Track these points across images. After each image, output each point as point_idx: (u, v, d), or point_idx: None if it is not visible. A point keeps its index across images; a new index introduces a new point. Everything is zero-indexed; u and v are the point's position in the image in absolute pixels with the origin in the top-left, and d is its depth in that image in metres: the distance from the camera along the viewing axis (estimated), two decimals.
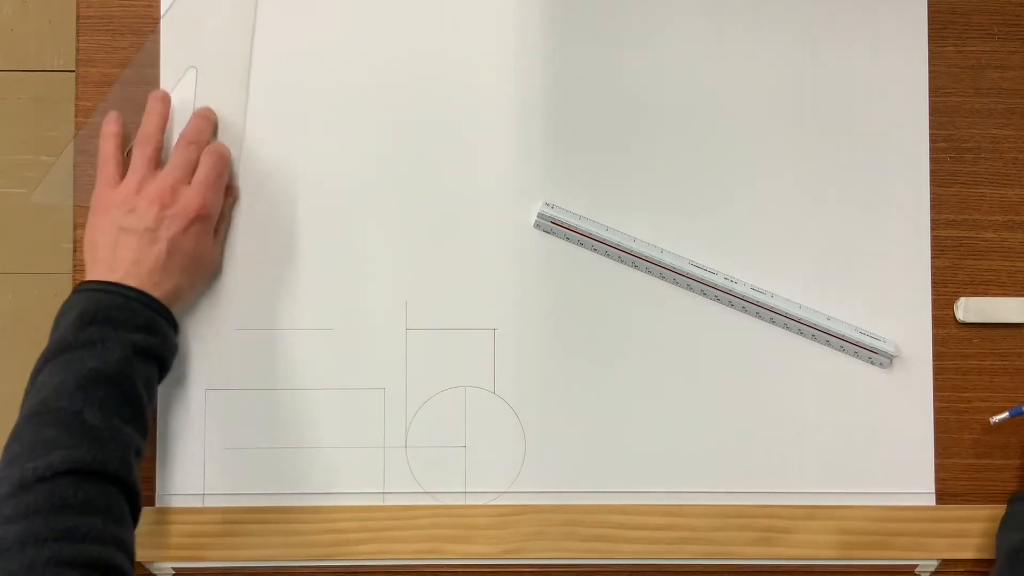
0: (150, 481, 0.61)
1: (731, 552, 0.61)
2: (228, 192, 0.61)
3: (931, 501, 0.62)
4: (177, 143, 0.60)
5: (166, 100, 0.61)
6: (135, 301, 0.54)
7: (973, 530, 0.62)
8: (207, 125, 0.61)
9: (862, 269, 0.63)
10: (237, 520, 0.61)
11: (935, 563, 0.62)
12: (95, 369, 0.52)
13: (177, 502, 0.61)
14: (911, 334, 0.63)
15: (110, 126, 0.60)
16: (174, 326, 0.57)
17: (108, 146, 0.59)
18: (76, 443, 0.49)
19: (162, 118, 0.60)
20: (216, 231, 0.60)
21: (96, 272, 0.56)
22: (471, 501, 0.61)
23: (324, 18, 0.63)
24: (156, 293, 0.55)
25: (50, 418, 0.50)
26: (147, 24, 0.63)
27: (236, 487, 0.61)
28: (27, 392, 0.53)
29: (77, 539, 0.46)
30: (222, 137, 0.62)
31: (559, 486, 0.62)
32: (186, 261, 0.57)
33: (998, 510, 0.62)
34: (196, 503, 0.61)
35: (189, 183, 0.58)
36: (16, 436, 0.50)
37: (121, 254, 0.56)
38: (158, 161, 0.59)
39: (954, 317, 0.63)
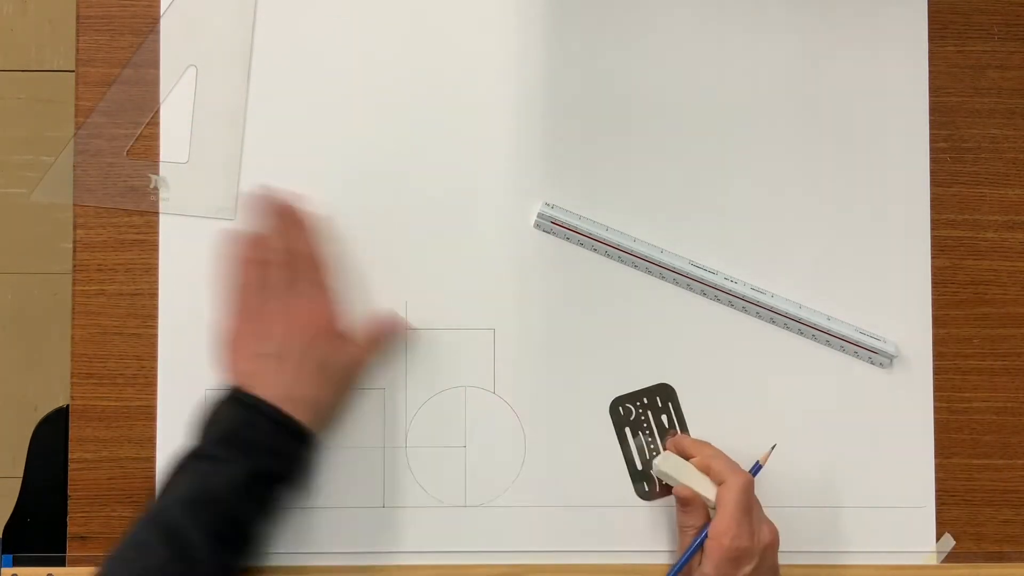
0: (150, 481, 0.61)
1: None
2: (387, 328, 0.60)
3: (931, 501, 0.62)
4: (283, 260, 0.57)
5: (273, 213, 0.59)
6: (267, 420, 0.53)
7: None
8: (301, 233, 0.59)
9: (862, 269, 0.63)
10: None
11: (952, 543, 0.62)
12: (209, 489, 0.51)
13: None
14: (911, 334, 0.63)
15: (249, 249, 0.58)
16: (310, 441, 0.55)
17: (247, 271, 0.58)
18: (166, 559, 0.49)
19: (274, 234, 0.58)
20: (350, 342, 0.58)
21: (246, 387, 0.55)
22: (471, 501, 0.61)
23: (324, 19, 0.63)
24: (295, 411, 0.54)
25: (152, 525, 0.51)
26: (147, 24, 0.63)
27: None
28: (165, 475, 0.53)
29: None
30: (222, 136, 0.62)
31: (559, 487, 0.61)
32: (327, 373, 0.56)
33: (1002, 569, 0.62)
34: None
35: (306, 296, 0.57)
36: (132, 527, 0.51)
37: (265, 379, 0.54)
38: (278, 279, 0.57)
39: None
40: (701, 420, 0.62)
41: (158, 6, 0.63)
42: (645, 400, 0.62)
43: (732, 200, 0.63)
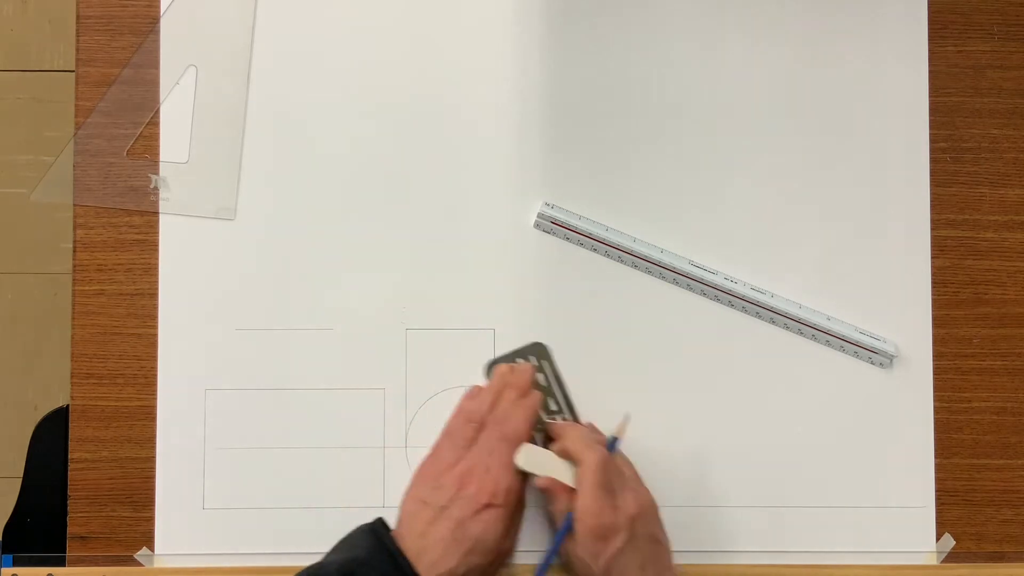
0: (150, 481, 0.61)
1: None
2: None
3: (931, 501, 0.62)
4: (490, 424, 0.56)
5: (504, 380, 0.58)
6: (393, 569, 0.52)
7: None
8: (521, 410, 0.57)
9: (862, 269, 0.63)
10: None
11: (952, 542, 0.62)
12: None
13: (177, 504, 0.61)
14: (911, 334, 0.63)
15: (469, 401, 0.58)
16: None
17: (456, 420, 0.58)
18: None
19: (493, 395, 0.58)
20: (512, 520, 0.56)
21: (399, 533, 0.54)
22: None
23: (324, 18, 0.63)
24: (429, 570, 0.52)
25: None
26: (147, 24, 0.63)
27: (236, 489, 0.61)
28: None
29: None
30: (222, 136, 0.62)
31: None
32: (470, 545, 0.54)
33: (1002, 569, 0.62)
34: (196, 505, 0.61)
35: (488, 465, 0.55)
36: None
37: (415, 526, 0.54)
38: (483, 441, 0.56)
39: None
40: (700, 420, 0.62)
41: (158, 6, 0.63)
42: (519, 361, 0.61)
43: (732, 200, 0.63)
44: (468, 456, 0.55)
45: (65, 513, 0.61)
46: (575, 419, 0.61)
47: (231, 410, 0.61)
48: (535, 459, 0.56)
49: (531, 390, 0.58)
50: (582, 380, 0.62)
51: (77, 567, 0.61)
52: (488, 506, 0.54)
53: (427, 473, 0.56)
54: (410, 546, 0.53)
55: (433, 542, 0.53)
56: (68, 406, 0.62)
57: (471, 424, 0.56)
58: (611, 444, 0.58)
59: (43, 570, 0.61)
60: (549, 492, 0.56)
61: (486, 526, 0.54)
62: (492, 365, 0.61)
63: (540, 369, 0.61)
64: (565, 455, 0.57)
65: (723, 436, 0.62)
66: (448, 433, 0.57)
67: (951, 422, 0.63)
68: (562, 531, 0.55)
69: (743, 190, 0.63)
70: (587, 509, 0.54)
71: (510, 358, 0.61)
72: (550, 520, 0.58)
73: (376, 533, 0.54)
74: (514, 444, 0.56)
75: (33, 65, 1.20)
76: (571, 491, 0.55)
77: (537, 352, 0.62)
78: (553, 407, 0.61)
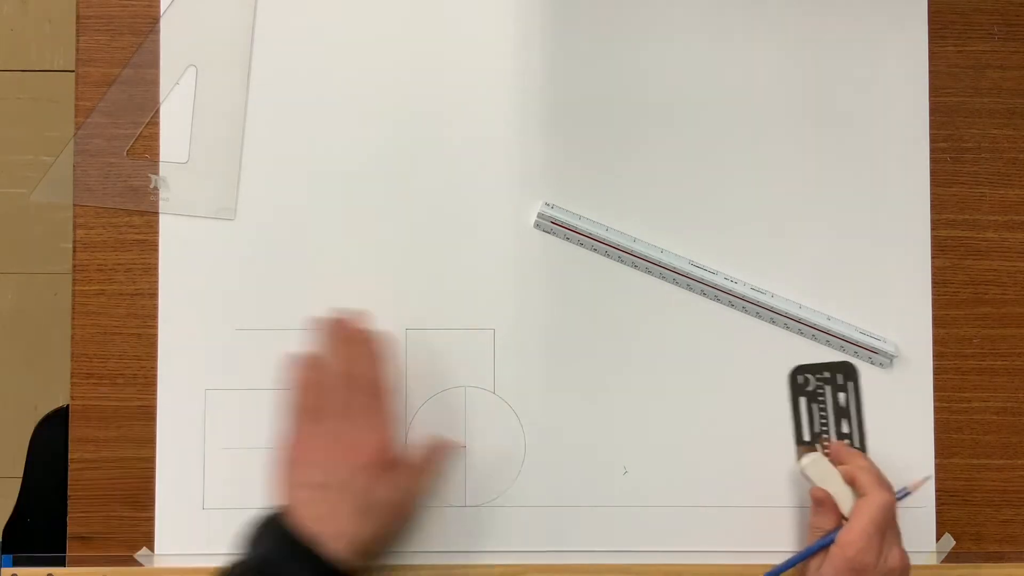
0: (149, 481, 0.61)
1: None
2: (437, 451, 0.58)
3: (931, 501, 0.62)
4: (338, 384, 0.55)
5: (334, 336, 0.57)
6: (300, 556, 0.50)
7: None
8: (363, 356, 0.56)
9: (862, 269, 0.63)
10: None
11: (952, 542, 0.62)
12: None
13: (177, 504, 0.61)
14: (911, 334, 0.63)
15: (304, 372, 0.56)
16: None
17: (300, 394, 0.55)
18: None
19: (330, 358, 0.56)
20: (396, 467, 0.55)
21: (299, 523, 0.52)
22: (471, 501, 0.61)
23: (324, 18, 0.63)
24: (334, 546, 0.50)
25: None
26: (147, 24, 0.63)
27: (236, 489, 0.61)
28: None
29: None
30: (222, 136, 0.62)
31: (559, 486, 0.61)
32: (375, 509, 0.52)
33: (1002, 569, 0.62)
34: (196, 505, 0.61)
35: (359, 423, 0.54)
36: None
37: (312, 510, 0.51)
38: (333, 405, 0.55)
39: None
40: (700, 420, 0.62)
41: (158, 6, 0.63)
42: (827, 374, 0.62)
43: (732, 200, 0.63)
44: (330, 425, 0.54)
45: (65, 513, 0.61)
46: (863, 448, 0.62)
47: (231, 410, 0.61)
48: (819, 470, 0.58)
49: (361, 333, 0.57)
50: (582, 380, 0.62)
51: (77, 567, 0.61)
52: (375, 463, 0.52)
53: (297, 457, 0.54)
54: (311, 530, 0.50)
55: (332, 519, 0.51)
56: (68, 406, 0.62)
57: (317, 391, 0.55)
58: (902, 494, 0.58)
59: (43, 570, 0.61)
60: (819, 504, 0.57)
61: (378, 483, 0.52)
62: (797, 372, 0.61)
63: (844, 389, 0.62)
64: (850, 480, 0.57)
65: (723, 436, 0.62)
66: (299, 410, 0.55)
67: (951, 422, 0.63)
68: (816, 547, 0.56)
69: (743, 190, 0.63)
70: (854, 542, 0.54)
71: (817, 368, 0.62)
72: (809, 527, 0.58)
73: (279, 530, 0.51)
74: (369, 392, 0.55)
75: (33, 65, 1.20)
76: (839, 514, 0.57)
77: (845, 371, 0.62)
78: (845, 429, 0.61)
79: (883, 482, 0.57)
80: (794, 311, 0.62)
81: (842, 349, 0.62)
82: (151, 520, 0.61)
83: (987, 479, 0.63)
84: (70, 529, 0.61)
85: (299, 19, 0.63)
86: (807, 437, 0.62)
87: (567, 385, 0.62)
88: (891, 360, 0.62)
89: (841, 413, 0.62)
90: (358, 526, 0.51)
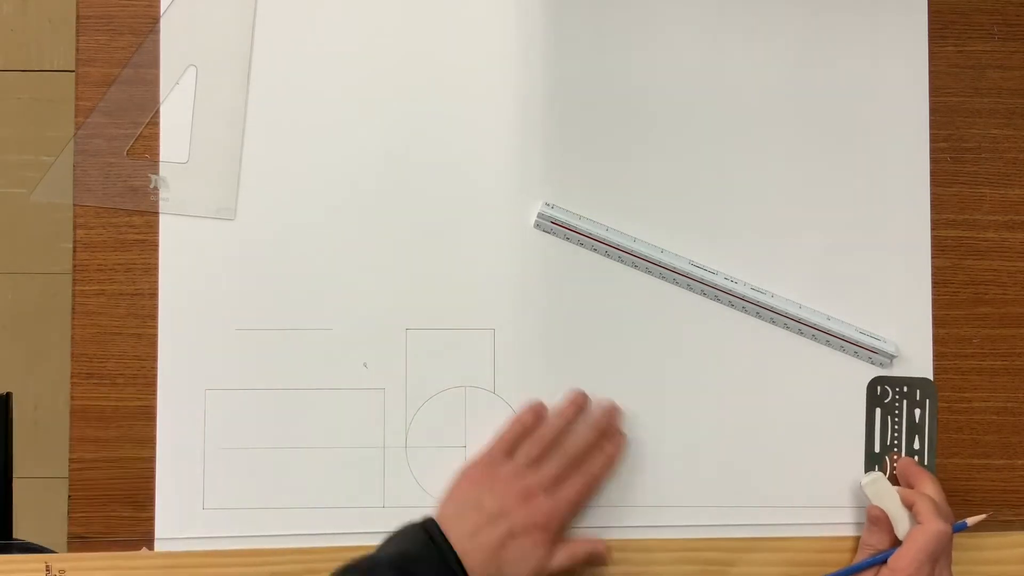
0: (149, 481, 0.61)
1: None
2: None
3: None
4: (568, 454, 0.58)
5: (577, 408, 0.60)
6: (445, 563, 0.53)
7: None
8: (603, 449, 0.60)
9: (862, 269, 0.63)
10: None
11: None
12: None
13: (177, 504, 0.61)
14: (911, 334, 0.63)
15: (533, 419, 0.59)
16: None
17: (515, 433, 0.59)
18: None
19: (564, 422, 0.59)
20: (555, 545, 0.56)
21: (443, 521, 0.55)
22: None
23: (324, 18, 0.63)
24: (471, 566, 0.53)
25: None
26: (147, 24, 0.63)
27: (236, 489, 0.61)
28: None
29: None
30: (222, 136, 0.62)
31: None
32: (514, 559, 0.54)
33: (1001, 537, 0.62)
34: (196, 505, 0.61)
35: (549, 490, 0.57)
36: None
37: (464, 526, 0.55)
38: (539, 458, 0.58)
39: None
40: (700, 420, 0.62)
41: (158, 6, 0.63)
42: (905, 388, 0.62)
43: (732, 200, 0.63)
44: (531, 474, 0.57)
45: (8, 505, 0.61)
46: (930, 466, 0.62)
47: (231, 410, 0.61)
48: (879, 489, 0.59)
49: (617, 433, 0.60)
50: (582, 380, 0.62)
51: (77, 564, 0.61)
52: (542, 530, 0.55)
53: (480, 477, 0.57)
54: (457, 544, 0.53)
55: (480, 545, 0.54)
56: (9, 393, 0.62)
57: (536, 444, 0.58)
58: (959, 527, 0.58)
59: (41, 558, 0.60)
60: (874, 523, 0.58)
61: (534, 547, 0.55)
62: (875, 383, 0.61)
63: (920, 406, 0.62)
64: (909, 503, 0.58)
65: (723, 435, 0.62)
66: (505, 443, 0.58)
67: (951, 422, 0.63)
68: (867, 563, 0.57)
69: (743, 190, 0.63)
70: (906, 566, 0.55)
71: (896, 382, 0.62)
72: (861, 543, 0.59)
73: (427, 530, 0.54)
74: (591, 488, 0.58)
75: (33, 65, 1.20)
76: (893, 535, 0.57)
77: (922, 387, 0.62)
78: (916, 446, 0.61)
79: (942, 511, 0.57)
80: (794, 311, 0.62)
81: (842, 349, 0.62)
82: (151, 520, 0.61)
83: (987, 479, 0.63)
84: (70, 529, 0.61)
85: (299, 19, 0.63)
86: (877, 449, 0.62)
87: (567, 385, 0.62)
88: (891, 360, 0.62)
89: (914, 429, 0.62)
90: (490, 556, 0.54)
